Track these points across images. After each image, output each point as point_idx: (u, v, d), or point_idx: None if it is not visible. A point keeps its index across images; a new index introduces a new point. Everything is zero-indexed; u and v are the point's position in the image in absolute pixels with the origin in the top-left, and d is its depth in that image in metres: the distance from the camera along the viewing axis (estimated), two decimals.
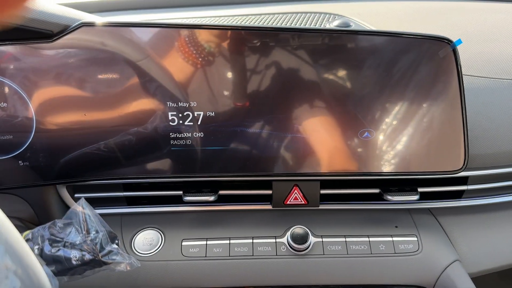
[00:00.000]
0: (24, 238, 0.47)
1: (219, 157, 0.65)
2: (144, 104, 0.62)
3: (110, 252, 0.46)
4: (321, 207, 0.72)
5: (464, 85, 0.62)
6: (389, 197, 0.68)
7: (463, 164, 0.64)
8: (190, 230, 0.71)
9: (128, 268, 0.47)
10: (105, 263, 0.45)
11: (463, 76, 0.61)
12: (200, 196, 0.69)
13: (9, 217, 0.69)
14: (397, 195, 0.68)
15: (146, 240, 0.70)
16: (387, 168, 0.65)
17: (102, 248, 0.45)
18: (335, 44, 0.60)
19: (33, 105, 0.61)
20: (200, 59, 0.60)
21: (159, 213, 0.73)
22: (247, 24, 0.83)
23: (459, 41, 0.60)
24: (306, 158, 0.65)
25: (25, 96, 0.61)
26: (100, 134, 0.63)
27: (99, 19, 0.60)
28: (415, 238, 0.69)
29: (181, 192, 0.70)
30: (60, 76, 0.61)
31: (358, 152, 0.65)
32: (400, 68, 0.61)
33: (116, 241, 0.47)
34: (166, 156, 0.65)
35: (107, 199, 0.72)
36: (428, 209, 0.74)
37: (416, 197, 0.68)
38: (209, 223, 0.71)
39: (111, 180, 0.68)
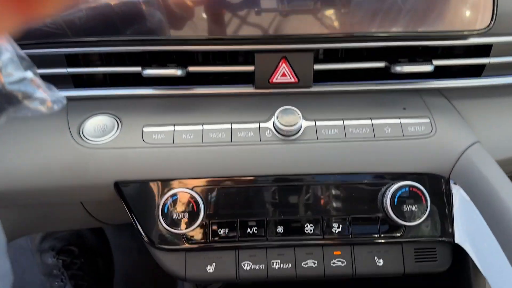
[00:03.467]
0: None
1: (188, 9, 0.51)
2: None
3: (22, 80, 0.32)
4: (315, 88, 0.59)
5: None
6: (398, 68, 0.56)
7: (491, 21, 0.52)
8: (153, 116, 0.57)
9: (50, 106, 0.34)
10: (13, 96, 0.32)
11: None
12: (164, 69, 0.55)
13: None
14: (408, 65, 0.56)
15: (98, 127, 0.56)
16: (395, 27, 0.52)
17: (9, 75, 0.31)
18: None
19: None
20: None
21: (115, 97, 0.59)
22: None
23: None
24: (298, 17, 0.52)
25: None
26: None
27: None
28: (427, 120, 0.57)
29: (139, 68, 0.56)
30: None
31: (361, 8, 0.52)
32: None
33: (33, 71, 0.34)
34: (115, 8, 0.50)
35: (49, 78, 0.58)
36: (440, 91, 0.61)
37: (430, 68, 0.56)
38: (177, 109, 0.58)
39: (51, 49, 0.53)
